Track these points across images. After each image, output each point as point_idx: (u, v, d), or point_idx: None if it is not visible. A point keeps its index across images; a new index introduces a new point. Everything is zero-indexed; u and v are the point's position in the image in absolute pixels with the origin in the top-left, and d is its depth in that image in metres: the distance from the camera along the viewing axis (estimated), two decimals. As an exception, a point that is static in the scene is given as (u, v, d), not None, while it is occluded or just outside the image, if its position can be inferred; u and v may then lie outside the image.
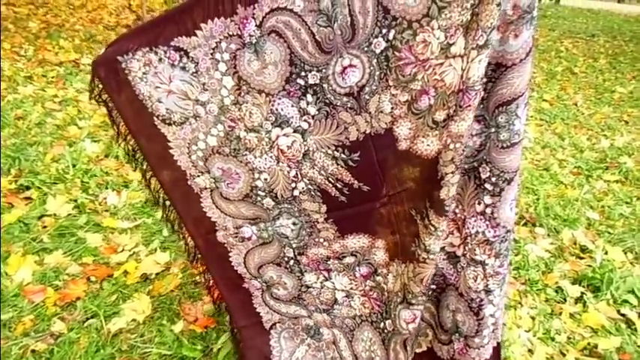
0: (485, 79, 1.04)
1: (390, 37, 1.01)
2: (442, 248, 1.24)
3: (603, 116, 4.64)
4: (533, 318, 1.84)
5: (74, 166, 2.55)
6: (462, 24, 0.98)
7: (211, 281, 1.36)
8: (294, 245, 1.29)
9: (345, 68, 1.05)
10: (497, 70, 1.03)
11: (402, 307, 1.25)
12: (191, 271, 1.93)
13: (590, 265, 2.16)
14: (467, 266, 1.20)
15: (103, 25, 6.33)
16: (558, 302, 1.95)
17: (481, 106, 1.08)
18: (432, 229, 1.13)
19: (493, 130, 1.08)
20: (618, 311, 1.90)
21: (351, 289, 1.34)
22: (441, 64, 1.01)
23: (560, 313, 1.87)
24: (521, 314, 1.85)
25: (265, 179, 1.21)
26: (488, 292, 1.18)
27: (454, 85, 1.02)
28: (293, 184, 1.20)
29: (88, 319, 1.66)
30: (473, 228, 1.17)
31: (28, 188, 2.33)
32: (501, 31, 0.99)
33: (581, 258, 2.25)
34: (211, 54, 1.08)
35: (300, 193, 1.21)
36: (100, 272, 1.87)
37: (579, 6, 24.20)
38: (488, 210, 1.14)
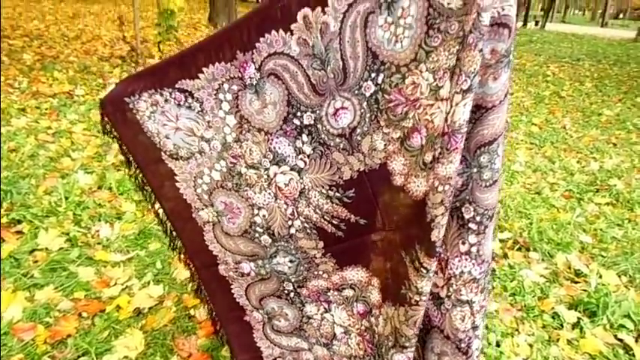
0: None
1: (379, 80, 1.04)
2: None
3: (592, 139, 4.71)
4: (530, 345, 1.82)
5: (67, 198, 2.54)
6: (449, 67, 0.99)
7: (213, 313, 1.36)
8: (292, 280, 1.30)
9: (337, 110, 1.09)
10: (478, 111, 1.03)
11: (394, 350, 1.23)
12: (185, 304, 1.90)
13: (585, 290, 2.16)
14: (452, 307, 1.18)
15: (97, 57, 6.40)
16: (555, 328, 1.94)
17: (464, 148, 1.07)
18: (424, 271, 1.10)
19: (475, 170, 1.07)
20: (615, 336, 1.89)
21: (349, 325, 1.33)
22: (431, 105, 1.03)
23: (558, 340, 1.86)
24: (519, 342, 1.83)
25: (264, 215, 1.22)
26: (475, 328, 1.18)
27: (440, 128, 1.02)
28: (289, 222, 1.22)
29: (79, 357, 1.62)
30: (457, 268, 1.15)
31: (19, 222, 2.32)
32: (480, 74, 1.00)
33: (576, 282, 2.25)
34: (215, 94, 1.14)
35: (297, 231, 1.22)
36: (91, 307, 1.84)
37: (564, 31, 24.87)
38: (474, 249, 1.13)
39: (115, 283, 1.99)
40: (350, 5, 1.00)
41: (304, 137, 1.14)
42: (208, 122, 1.16)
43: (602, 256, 2.48)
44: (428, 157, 1.06)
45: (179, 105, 1.14)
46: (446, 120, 0.99)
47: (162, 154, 1.17)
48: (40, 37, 7.66)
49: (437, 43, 0.98)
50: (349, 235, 1.20)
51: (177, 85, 1.13)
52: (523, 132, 4.81)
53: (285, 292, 1.32)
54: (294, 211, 1.21)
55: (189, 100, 1.14)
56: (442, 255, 1.17)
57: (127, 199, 2.63)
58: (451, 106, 0.98)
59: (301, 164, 1.16)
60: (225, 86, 1.13)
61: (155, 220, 2.44)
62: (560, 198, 3.24)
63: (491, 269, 1.17)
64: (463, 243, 1.13)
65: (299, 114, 1.12)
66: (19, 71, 5.10)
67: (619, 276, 2.29)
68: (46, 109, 4.01)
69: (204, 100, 1.15)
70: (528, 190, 3.36)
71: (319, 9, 1.01)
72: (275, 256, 1.27)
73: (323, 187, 1.17)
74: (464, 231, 1.12)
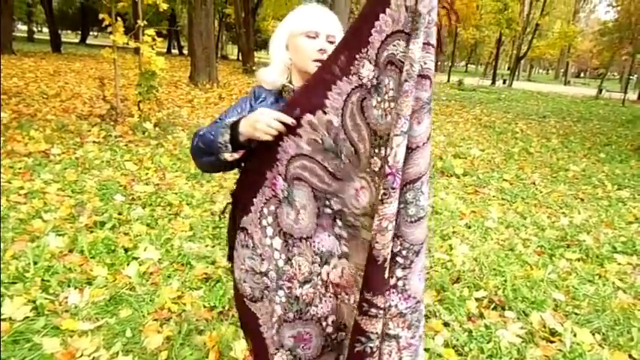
0: None
1: (382, 154, 1.12)
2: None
3: (560, 194, 4.88)
4: (509, 411, 1.80)
5: (35, 263, 2.46)
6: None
7: None
8: None
9: (357, 190, 1.18)
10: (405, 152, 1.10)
11: None
12: (154, 376, 1.83)
13: (560, 350, 2.17)
14: (381, 342, 1.19)
15: (75, 115, 6.43)
16: (533, 392, 1.92)
17: None
18: (381, 314, 1.14)
19: (402, 205, 1.11)
20: (592, 399, 1.88)
21: None
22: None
23: (536, 404, 1.84)
24: (498, 407, 1.81)
25: (333, 321, 1.27)
26: None
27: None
28: (356, 311, 1.20)
29: None
30: (386, 302, 1.16)
31: (-17, 289, 2.22)
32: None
33: (552, 342, 2.26)
34: (259, 223, 1.24)
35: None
36: (54, 382, 1.74)
37: (530, 89, 26.22)
38: (400, 282, 1.15)
39: (82, 355, 1.90)
40: (345, 101, 1.13)
41: (339, 222, 1.22)
42: (261, 255, 1.25)
43: (576, 313, 2.51)
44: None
45: (243, 246, 1.26)
46: (387, 161, 1.05)
47: (245, 299, 1.29)
48: (18, 94, 7.69)
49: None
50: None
51: (241, 225, 1.26)
52: (495, 188, 4.95)
53: None
54: (356, 299, 1.23)
55: (246, 237, 1.26)
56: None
57: (98, 263, 2.57)
58: (392, 148, 1.05)
59: (345, 249, 1.23)
60: (265, 210, 1.23)
61: (127, 285, 2.40)
62: (533, 254, 3.30)
63: (421, 308, 1.17)
64: (391, 277, 1.15)
65: (327, 202, 1.21)
66: (-5, 130, 5.07)
67: (593, 334, 2.31)
68: (20, 169, 3.97)
69: (253, 234, 1.24)
70: (502, 246, 3.42)
71: (320, 112, 1.15)
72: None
73: (357, 266, 1.22)
74: (392, 264, 1.14)
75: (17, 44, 19.46)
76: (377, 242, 1.10)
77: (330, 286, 1.24)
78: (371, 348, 1.16)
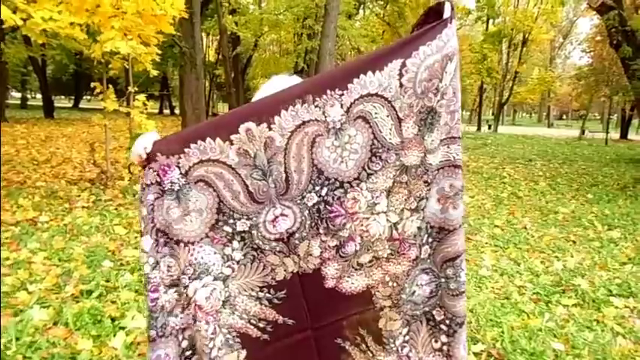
0: (430, 239, 1.22)
1: (323, 193, 1.15)
2: None
3: (552, 237, 4.89)
4: None
5: (18, 339, 2.38)
6: (385, 189, 1.17)
7: None
8: None
9: (276, 217, 1.16)
10: (441, 232, 1.22)
11: None
12: None
13: (564, 405, 2.09)
14: None
15: (65, 180, 6.44)
16: None
17: (428, 260, 1.23)
18: (370, 355, 1.22)
19: (443, 280, 1.23)
20: None
21: None
22: (367, 218, 1.17)
23: None
24: None
25: (190, 336, 1.18)
26: None
27: (378, 235, 1.18)
28: (211, 343, 1.16)
29: None
30: None
31: (-39, 371, 2.13)
32: (442, 202, 1.20)
33: (555, 396, 2.18)
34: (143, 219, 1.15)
35: (219, 349, 1.18)
36: None
37: (515, 133, 26.85)
38: (445, 347, 1.25)
39: None
40: (298, 126, 1.13)
41: (235, 244, 1.16)
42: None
43: (577, 364, 2.44)
44: (365, 259, 1.20)
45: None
46: (396, 229, 1.18)
47: None
48: (9, 161, 7.72)
49: (377, 168, 1.15)
50: (274, 337, 1.21)
51: None
52: (487, 235, 4.95)
53: None
54: (216, 326, 1.17)
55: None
56: (413, 357, 1.26)
57: (83, 336, 2.49)
58: (401, 219, 1.18)
59: (228, 271, 1.17)
60: (144, 199, 1.13)
61: (113, 358, 2.31)
62: (529, 302, 3.25)
63: None
64: (436, 341, 1.25)
65: (231, 221, 1.14)
66: (-17, 199, 5.05)
67: (596, 386, 2.24)
68: (7, 239, 3.92)
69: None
70: (497, 295, 3.37)
71: (265, 125, 1.12)
72: None
73: (253, 290, 1.18)
74: (436, 331, 1.24)
75: (10, 111, 19.79)
76: (377, 291, 1.21)
77: (193, 305, 1.15)
78: None
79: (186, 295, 1.15)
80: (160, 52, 5.25)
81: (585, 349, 2.59)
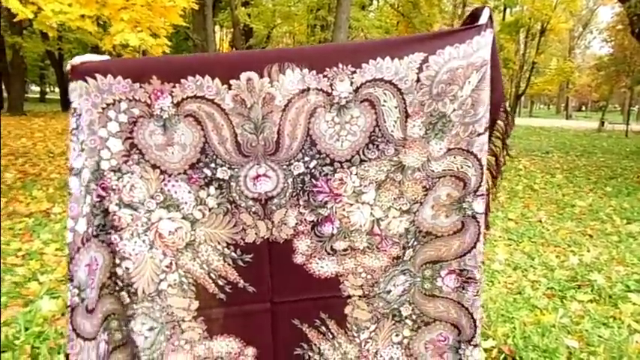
0: (415, 242, 1.18)
1: (311, 165, 1.12)
2: None
3: (568, 231, 4.77)
4: None
5: (27, 329, 2.40)
6: (376, 180, 1.13)
7: None
8: (143, 358, 1.16)
9: (259, 175, 1.12)
10: (427, 236, 1.20)
11: None
12: None
13: (577, 404, 2.03)
14: None
15: (79, 172, 6.51)
16: None
17: (409, 262, 1.21)
18: (330, 336, 1.21)
19: (419, 279, 1.23)
20: None
21: None
22: (351, 204, 1.15)
23: None
24: None
25: (127, 268, 1.11)
26: None
27: (359, 225, 1.16)
28: (162, 275, 1.13)
29: None
30: (387, 355, 1.25)
31: (-29, 360, 2.16)
32: (435, 209, 1.18)
33: (568, 395, 2.12)
34: (102, 109, 1.06)
35: (169, 285, 1.14)
36: None
37: (532, 124, 26.45)
38: (405, 341, 1.25)
39: None
40: (302, 91, 1.09)
41: (211, 189, 1.12)
42: (82, 143, 1.06)
43: (591, 361, 2.37)
44: (340, 245, 1.17)
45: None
46: (378, 225, 1.16)
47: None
48: (25, 154, 7.85)
49: (372, 156, 1.12)
50: (231, 300, 1.17)
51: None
52: (500, 228, 4.86)
53: None
54: (173, 263, 1.13)
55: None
56: (372, 349, 1.25)
57: (91, 326, 2.50)
58: (386, 216, 1.16)
59: (198, 215, 1.12)
60: (122, 105, 1.06)
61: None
62: (543, 297, 3.17)
63: None
64: (397, 335, 1.25)
65: (212, 165, 1.11)
66: (-1, 191, 5.13)
67: (611, 384, 2.17)
68: (20, 230, 3.97)
69: (83, 112, 1.05)
70: (510, 290, 3.30)
71: (267, 80, 1.08)
72: (130, 321, 1.14)
73: (219, 244, 1.14)
74: (400, 326, 1.24)
75: (29, 105, 20.12)
76: (347, 280, 1.20)
77: (153, 232, 1.10)
78: (310, 357, 1.22)
79: (147, 220, 1.10)
80: (169, 43, 5.23)
81: (601, 347, 2.51)
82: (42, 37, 15.12)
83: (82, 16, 4.28)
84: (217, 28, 20.80)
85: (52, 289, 2.92)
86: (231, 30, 19.37)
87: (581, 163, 10.20)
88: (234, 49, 20.39)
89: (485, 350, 2.46)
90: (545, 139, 16.79)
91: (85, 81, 1.05)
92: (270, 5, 17.15)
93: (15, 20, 4.53)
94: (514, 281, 3.45)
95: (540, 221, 5.16)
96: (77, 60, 1.08)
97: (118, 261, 1.11)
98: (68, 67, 1.08)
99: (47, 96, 32.34)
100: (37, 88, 35.51)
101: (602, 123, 23.99)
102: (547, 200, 6.26)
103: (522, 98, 35.97)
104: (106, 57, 1.14)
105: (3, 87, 18.03)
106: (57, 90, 28.05)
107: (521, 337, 2.57)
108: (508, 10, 26.79)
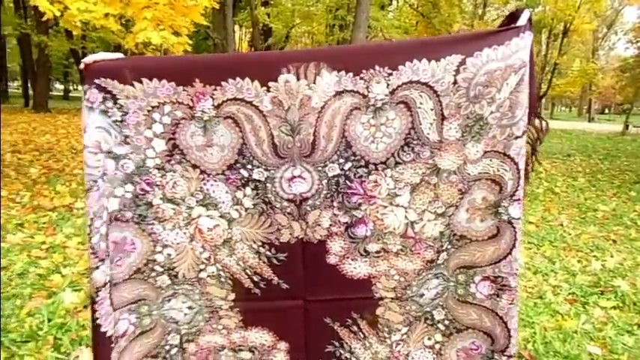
0: (450, 246, 1.18)
1: (346, 167, 1.12)
2: None
3: (590, 236, 4.67)
4: None
5: (49, 320, 2.45)
6: (410, 183, 1.13)
7: None
8: (183, 331, 1.21)
9: (294, 177, 1.13)
10: (461, 240, 1.19)
11: None
12: None
13: (600, 412, 1.98)
14: None
15: (101, 168, 6.63)
16: None
17: (442, 266, 1.20)
18: (361, 335, 1.21)
19: (452, 284, 1.22)
20: None
21: None
22: (385, 206, 1.14)
23: None
24: None
25: (169, 254, 1.16)
26: None
27: (392, 228, 1.16)
28: (202, 266, 1.17)
29: None
30: (418, 358, 1.24)
31: (-3, 348, 2.22)
32: (470, 212, 1.17)
33: (590, 402, 2.07)
34: (148, 111, 1.09)
35: (208, 276, 1.18)
36: None
37: (553, 127, 25.89)
38: (437, 346, 1.24)
39: (89, 419, 1.84)
40: (339, 93, 1.09)
41: (248, 190, 1.14)
42: (126, 137, 1.09)
43: (615, 369, 2.32)
44: (373, 247, 1.17)
45: (90, 108, 1.07)
46: (412, 228, 1.16)
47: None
48: (49, 150, 8.02)
49: (407, 159, 1.12)
50: (266, 295, 1.19)
51: (96, 81, 1.07)
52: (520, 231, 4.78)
53: (167, 347, 1.20)
54: (212, 256, 1.17)
55: (109, 103, 1.08)
56: (402, 351, 1.25)
57: (112, 319, 2.54)
58: (420, 219, 1.15)
59: (235, 215, 1.15)
60: (166, 108, 1.09)
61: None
62: (564, 302, 3.11)
63: None
64: (429, 339, 1.24)
65: (249, 166, 1.13)
66: (24, 185, 5.26)
67: (635, 393, 2.12)
68: (44, 224, 4.06)
69: (130, 112, 1.08)
70: (530, 294, 3.25)
71: (304, 82, 1.08)
72: (170, 300, 1.19)
73: (255, 242, 1.16)
74: (432, 329, 1.24)
75: (53, 102, 20.57)
76: (378, 282, 1.20)
77: (193, 226, 1.14)
78: (341, 354, 1.23)
79: (188, 215, 1.14)
80: (190, 42, 5.29)
81: (625, 355, 2.45)
82: (66, 36, 15.44)
83: (107, 14, 4.37)
84: (236, 27, 20.96)
85: (74, 281, 2.97)
86: (251, 29, 19.50)
87: (604, 167, 9.97)
88: (253, 48, 20.51)
89: (505, 354, 2.42)
90: (567, 141, 16.47)
91: (132, 85, 1.08)
92: (289, 5, 17.20)
93: (42, 19, 4.63)
94: (534, 285, 3.39)
95: (562, 225, 5.07)
96: (90, 58, 1.11)
97: (159, 248, 1.16)
98: (82, 66, 1.11)
99: (71, 94, 33.05)
100: (61, 86, 36.31)
101: (627, 126, 23.41)
102: (569, 204, 6.14)
103: (543, 100, 35.35)
104: (119, 55, 1.15)
105: (29, 84, 18.45)
106: (80, 88, 28.60)
107: (542, 343, 2.53)
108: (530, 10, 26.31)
